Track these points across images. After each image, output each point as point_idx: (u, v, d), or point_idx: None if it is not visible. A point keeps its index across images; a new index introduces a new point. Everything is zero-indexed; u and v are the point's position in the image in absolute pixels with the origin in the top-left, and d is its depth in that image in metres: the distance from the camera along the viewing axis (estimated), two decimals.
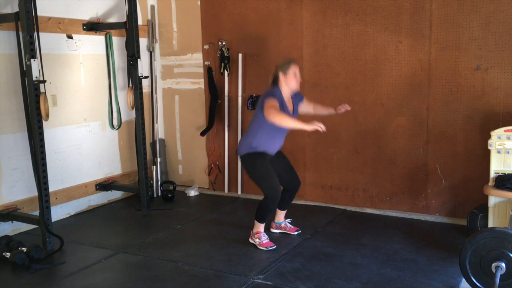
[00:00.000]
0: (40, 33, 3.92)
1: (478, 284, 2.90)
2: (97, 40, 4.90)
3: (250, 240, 3.86)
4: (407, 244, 3.79)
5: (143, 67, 4.84)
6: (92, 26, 4.75)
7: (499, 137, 3.59)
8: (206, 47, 5.31)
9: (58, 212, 4.58)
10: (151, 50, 5.52)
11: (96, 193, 4.98)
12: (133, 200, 5.12)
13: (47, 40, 4.33)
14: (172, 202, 5.13)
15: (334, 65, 4.66)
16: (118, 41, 5.08)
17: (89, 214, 4.84)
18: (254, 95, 5.05)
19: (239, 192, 5.33)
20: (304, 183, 4.96)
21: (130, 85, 4.86)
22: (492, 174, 3.65)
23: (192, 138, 5.60)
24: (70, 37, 4.63)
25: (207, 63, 5.32)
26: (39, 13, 3.84)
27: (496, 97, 4.01)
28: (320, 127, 3.46)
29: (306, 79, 4.71)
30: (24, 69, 3.76)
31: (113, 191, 5.11)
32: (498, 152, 3.61)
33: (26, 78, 3.79)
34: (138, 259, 3.67)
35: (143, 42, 5.39)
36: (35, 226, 4.02)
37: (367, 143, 4.61)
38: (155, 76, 5.60)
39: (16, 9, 3.71)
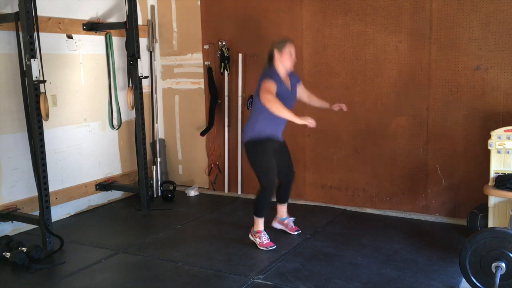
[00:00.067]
0: (40, 33, 3.92)
1: (478, 284, 2.90)
2: (97, 40, 4.90)
3: (250, 237, 3.87)
4: (407, 244, 3.79)
5: (143, 67, 4.84)
6: (92, 26, 4.75)
7: (499, 137, 3.59)
8: (206, 47, 5.31)
9: (58, 212, 4.58)
10: (151, 50, 5.52)
11: (96, 193, 4.98)
12: (133, 200, 5.12)
13: (47, 40, 4.33)
14: (172, 202, 5.13)
15: (334, 65, 4.66)
16: (118, 41, 5.08)
17: (89, 214, 4.84)
18: (254, 95, 5.04)
19: (239, 192, 5.33)
20: (304, 183, 4.97)
21: (130, 85, 4.86)
22: (492, 174, 3.65)
23: (192, 138, 5.60)
24: (70, 37, 4.64)
25: (207, 63, 5.32)
26: (39, 13, 3.85)
27: (496, 97, 4.01)
28: (310, 122, 3.49)
29: (306, 79, 4.71)
30: (24, 69, 3.76)
31: (113, 191, 5.11)
32: (498, 152, 3.61)
33: (26, 78, 3.79)
34: (138, 259, 3.67)
35: (143, 42, 5.40)
36: (35, 226, 4.02)
37: (367, 143, 4.61)
38: (155, 76, 5.60)
39: (16, 9, 3.71)
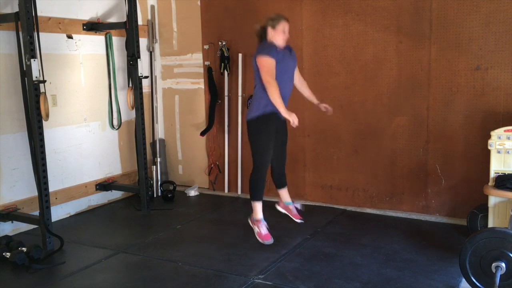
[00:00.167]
0: (40, 33, 3.92)
1: (478, 284, 2.90)
2: (97, 40, 4.90)
3: (250, 223, 3.88)
4: (407, 244, 3.79)
5: (143, 67, 4.84)
6: (92, 26, 4.75)
7: (499, 137, 3.59)
8: (206, 47, 5.31)
9: (58, 212, 4.58)
10: (151, 50, 5.52)
11: (96, 193, 4.98)
12: (133, 200, 5.12)
13: (47, 40, 4.33)
14: (172, 202, 5.13)
15: (334, 65, 4.66)
16: (118, 41, 5.08)
17: (89, 214, 4.84)
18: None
19: (239, 192, 5.33)
20: (304, 183, 4.97)
21: (130, 85, 4.86)
22: (492, 174, 3.64)
23: (192, 138, 5.60)
24: (70, 37, 4.63)
25: (207, 63, 5.32)
26: (39, 13, 3.84)
27: (496, 97, 4.01)
28: (293, 121, 3.55)
29: (306, 79, 4.69)
30: (24, 69, 3.76)
31: (113, 191, 5.11)
32: (498, 152, 3.60)
33: (26, 78, 3.79)
34: (138, 259, 3.67)
35: (143, 42, 5.39)
36: (35, 226, 4.02)
37: (367, 143, 4.61)
38: (155, 76, 5.60)
39: (16, 9, 3.71)
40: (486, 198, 3.68)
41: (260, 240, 3.77)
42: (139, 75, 4.66)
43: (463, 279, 3.04)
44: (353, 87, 4.60)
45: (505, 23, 3.91)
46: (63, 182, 4.64)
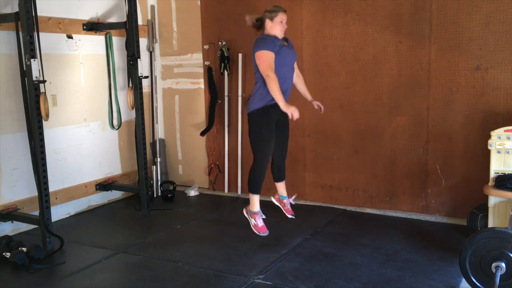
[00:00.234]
0: (40, 33, 3.92)
1: (478, 284, 2.90)
2: (97, 40, 4.90)
3: (245, 215, 3.88)
4: (407, 244, 3.79)
5: (143, 67, 4.84)
6: (92, 26, 4.75)
7: (499, 137, 3.59)
8: (206, 47, 5.31)
9: (58, 212, 4.58)
10: (151, 50, 5.52)
11: (96, 193, 4.98)
12: (133, 200, 5.12)
13: (47, 40, 4.33)
14: (172, 202, 5.13)
15: (334, 65, 4.66)
16: (118, 41, 5.08)
17: (89, 214, 4.84)
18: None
19: (239, 192, 5.33)
20: (304, 183, 4.97)
21: (130, 85, 4.86)
22: (492, 174, 3.64)
23: (192, 138, 5.60)
24: (70, 37, 4.64)
25: (207, 63, 5.32)
26: (39, 13, 3.84)
27: (496, 97, 4.01)
28: (293, 114, 3.54)
29: (306, 79, 4.69)
30: (24, 69, 3.76)
31: (113, 191, 5.11)
32: (498, 152, 3.60)
33: (26, 78, 3.79)
34: (138, 259, 3.67)
35: (143, 42, 5.40)
36: (35, 226, 4.02)
37: (367, 143, 4.61)
38: (155, 76, 5.60)
39: (16, 9, 3.71)
40: (486, 198, 3.68)
41: (256, 232, 3.76)
42: (139, 75, 4.66)
43: (463, 279, 3.04)
44: (353, 87, 4.60)
45: (505, 23, 3.91)
46: (63, 182, 4.64)
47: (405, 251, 3.66)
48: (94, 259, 3.68)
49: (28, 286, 3.31)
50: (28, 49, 3.65)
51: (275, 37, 3.67)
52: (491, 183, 3.64)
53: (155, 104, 5.57)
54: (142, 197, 4.80)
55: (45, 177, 3.85)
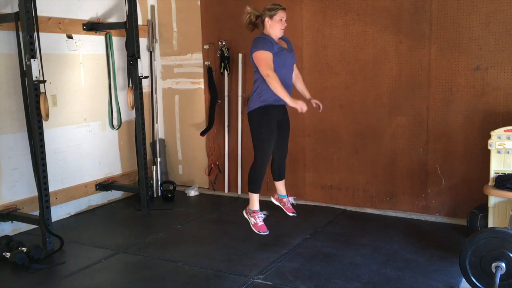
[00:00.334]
0: (40, 33, 3.91)
1: (478, 284, 2.90)
2: (97, 40, 4.90)
3: (245, 215, 3.87)
4: (407, 244, 3.79)
5: (143, 67, 4.84)
6: (92, 26, 4.75)
7: (499, 137, 3.59)
8: (206, 47, 5.31)
9: (58, 212, 4.58)
10: (151, 50, 5.52)
11: (96, 193, 4.98)
12: (133, 200, 5.12)
13: (47, 40, 4.33)
14: (172, 202, 5.13)
15: (334, 65, 4.66)
16: (118, 41, 5.08)
17: (89, 214, 4.84)
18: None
19: (239, 192, 5.33)
20: (304, 183, 4.97)
21: (130, 85, 4.86)
22: (492, 174, 3.64)
23: (192, 138, 5.60)
24: (70, 37, 4.64)
25: (207, 63, 5.32)
26: (39, 13, 3.84)
27: (496, 97, 4.01)
28: (301, 107, 3.55)
29: (306, 79, 4.70)
30: (24, 69, 3.76)
31: (113, 191, 5.11)
32: (498, 152, 3.60)
33: (26, 78, 3.79)
34: (138, 259, 3.67)
35: (143, 42, 5.40)
36: (35, 226, 4.02)
37: (367, 143, 4.61)
38: (155, 76, 5.60)
39: (16, 9, 3.71)
40: (486, 198, 3.68)
41: (256, 231, 3.75)
42: (139, 75, 4.66)
43: (463, 279, 3.04)
44: (353, 87, 4.60)
45: (505, 23, 3.91)
46: (63, 182, 4.64)
47: (405, 251, 3.66)
48: (94, 259, 3.68)
49: (28, 286, 3.31)
50: (28, 49, 3.65)
51: (273, 40, 3.66)
52: (491, 183, 3.64)
53: (155, 104, 5.57)
54: (142, 197, 4.80)
55: (45, 177, 3.85)
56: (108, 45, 4.95)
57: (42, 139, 3.80)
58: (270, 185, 4.50)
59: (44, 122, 3.82)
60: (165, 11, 5.55)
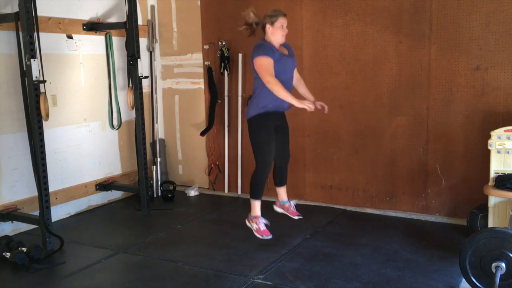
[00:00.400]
0: (40, 33, 3.91)
1: (478, 284, 2.90)
2: (97, 40, 4.90)
3: (247, 223, 3.86)
4: (407, 244, 3.79)
5: (143, 67, 4.84)
6: (92, 26, 4.75)
7: (499, 137, 3.59)
8: (206, 47, 5.31)
9: (58, 212, 4.58)
10: (151, 50, 5.52)
11: (96, 193, 4.98)
12: (133, 200, 5.12)
13: (47, 40, 4.33)
14: (172, 202, 5.13)
15: (334, 65, 4.66)
16: (118, 41, 5.08)
17: (89, 214, 4.84)
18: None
19: (239, 192, 5.33)
20: (304, 183, 4.97)
21: (130, 85, 4.86)
22: (492, 174, 3.64)
23: (192, 138, 5.60)
24: (70, 37, 4.64)
25: (207, 63, 5.32)
26: (39, 13, 3.84)
27: (496, 97, 4.01)
28: (309, 106, 3.55)
29: (306, 79, 4.70)
30: (24, 69, 3.76)
31: (113, 191, 5.11)
32: (498, 152, 3.60)
33: (26, 78, 3.79)
34: (138, 259, 3.67)
35: (143, 42, 5.40)
36: (35, 226, 4.02)
37: (367, 143, 4.61)
38: (155, 76, 5.60)
39: (16, 9, 3.71)
40: (486, 198, 3.68)
41: (259, 236, 3.75)
42: (139, 75, 4.66)
43: (463, 279, 3.04)
44: (353, 87, 4.60)
45: (505, 23, 3.91)
46: (63, 182, 4.64)
47: (405, 251, 3.66)
48: (94, 259, 3.68)
49: (28, 286, 3.31)
50: (28, 49, 3.65)
51: (274, 47, 3.66)
52: (491, 183, 3.64)
53: (155, 104, 5.57)
54: (142, 197, 4.80)
55: (45, 177, 3.85)
56: (108, 45, 4.95)
57: (42, 139, 3.80)
58: (270, 186, 4.49)
59: (44, 122, 3.82)
60: (165, 11, 5.55)
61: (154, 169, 5.43)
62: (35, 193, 4.00)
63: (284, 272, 3.35)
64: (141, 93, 4.70)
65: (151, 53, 5.52)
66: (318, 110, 4.06)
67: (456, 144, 4.22)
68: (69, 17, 4.60)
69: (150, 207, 4.87)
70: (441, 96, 4.23)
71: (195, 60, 5.45)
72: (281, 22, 3.66)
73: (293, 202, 4.15)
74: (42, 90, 3.76)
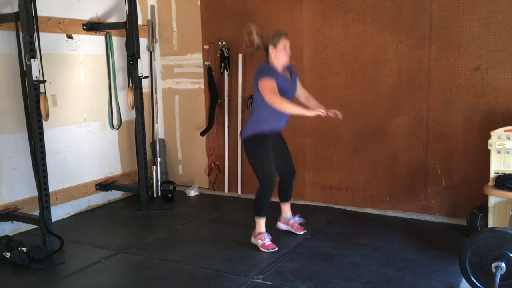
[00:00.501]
0: (40, 33, 3.92)
1: (478, 284, 2.90)
2: (97, 40, 4.90)
3: (252, 241, 3.83)
4: (407, 244, 3.79)
5: (143, 67, 4.84)
6: (92, 26, 4.75)
7: (499, 137, 3.59)
8: (206, 47, 5.31)
9: (58, 212, 4.58)
10: (151, 50, 5.52)
11: (96, 193, 4.98)
12: (133, 200, 5.12)
13: (47, 40, 4.33)
14: (172, 202, 5.13)
15: (334, 65, 4.66)
16: (118, 41, 5.08)
17: (89, 214, 4.84)
18: (253, 92, 5.04)
19: (239, 192, 5.33)
20: (304, 183, 4.97)
21: (130, 85, 4.86)
22: (492, 174, 3.64)
23: (192, 138, 5.60)
24: (70, 37, 4.64)
25: (207, 63, 5.32)
26: (39, 13, 3.84)
27: (496, 97, 4.01)
28: (321, 111, 3.52)
29: (306, 79, 4.71)
30: (24, 69, 3.76)
31: (113, 191, 5.11)
32: (498, 152, 3.60)
33: (26, 78, 3.79)
34: (138, 259, 3.67)
35: (143, 42, 5.39)
36: (35, 226, 4.02)
37: (367, 143, 4.61)
38: (155, 76, 5.60)
39: (16, 9, 3.71)
40: (486, 198, 3.68)
41: (265, 251, 3.71)
42: (139, 75, 4.66)
43: (463, 279, 3.04)
44: (353, 87, 4.60)
45: (505, 23, 3.91)
46: (63, 182, 4.64)
47: (405, 251, 3.66)
48: (94, 259, 3.68)
49: (28, 286, 3.31)
50: (28, 49, 3.65)
51: (277, 70, 3.67)
52: (491, 183, 3.64)
53: (155, 104, 5.57)
54: (142, 197, 4.80)
55: (45, 177, 3.85)
56: (108, 45, 4.95)
57: (42, 139, 3.80)
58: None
59: (44, 122, 3.82)
60: (165, 11, 5.55)
61: (154, 169, 5.43)
62: (35, 193, 4.00)
63: (284, 272, 3.35)
64: (141, 93, 4.70)
65: (151, 53, 5.52)
66: (336, 118, 3.95)
67: (456, 144, 4.22)
68: (69, 17, 4.60)
69: (150, 207, 4.87)
70: (441, 96, 4.23)
71: (195, 60, 5.45)
72: (283, 43, 3.68)
73: (297, 218, 4.13)
74: (42, 90, 3.76)
